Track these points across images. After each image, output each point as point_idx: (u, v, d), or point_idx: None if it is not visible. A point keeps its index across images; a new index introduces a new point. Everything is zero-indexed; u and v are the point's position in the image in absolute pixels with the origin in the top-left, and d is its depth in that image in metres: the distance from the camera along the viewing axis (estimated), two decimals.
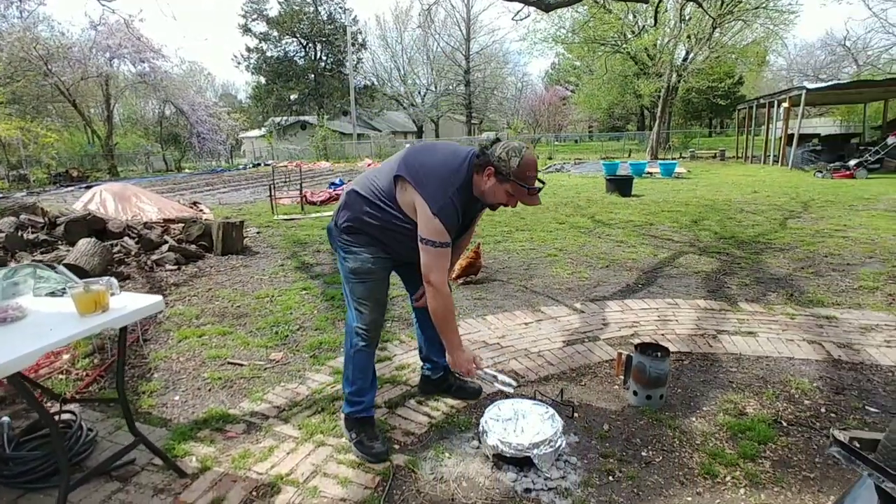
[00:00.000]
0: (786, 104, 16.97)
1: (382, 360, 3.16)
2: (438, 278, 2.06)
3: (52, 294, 2.01)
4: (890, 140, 13.86)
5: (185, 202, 10.06)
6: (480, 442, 2.27)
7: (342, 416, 2.36)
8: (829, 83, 18.08)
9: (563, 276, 4.92)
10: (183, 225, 6.86)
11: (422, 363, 2.73)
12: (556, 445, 2.14)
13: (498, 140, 2.12)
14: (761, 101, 19.99)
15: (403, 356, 3.22)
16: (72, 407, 2.57)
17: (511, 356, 3.21)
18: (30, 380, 2.12)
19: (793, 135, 16.36)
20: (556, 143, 40.92)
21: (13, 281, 1.76)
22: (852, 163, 13.22)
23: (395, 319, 3.79)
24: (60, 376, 3.04)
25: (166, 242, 6.19)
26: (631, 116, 46.58)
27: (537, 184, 2.06)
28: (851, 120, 27.09)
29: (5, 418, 2.29)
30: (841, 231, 6.58)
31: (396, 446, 2.31)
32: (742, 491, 2.01)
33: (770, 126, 19.04)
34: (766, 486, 2.04)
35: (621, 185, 10.79)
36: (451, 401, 2.68)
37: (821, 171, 13.36)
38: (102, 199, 7.98)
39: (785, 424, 2.44)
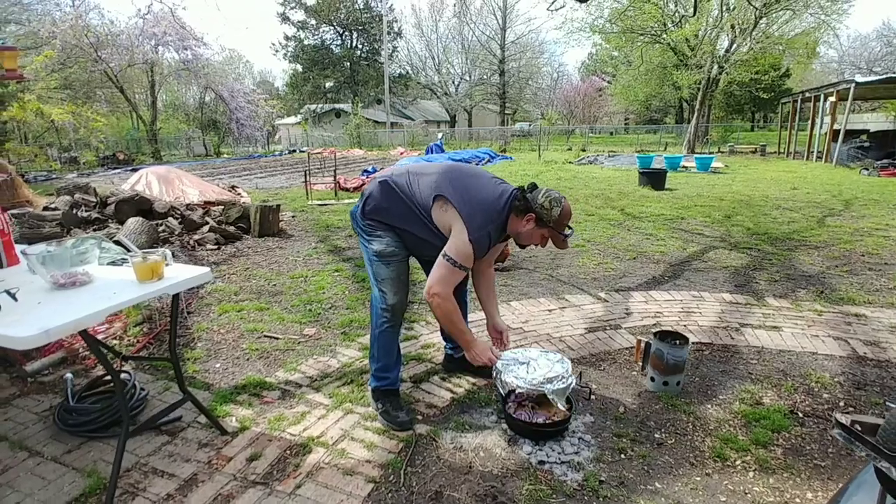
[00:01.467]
0: (832, 98, 16.29)
1: (409, 338, 3.31)
2: (444, 291, 2.17)
3: (113, 263, 2.22)
4: None
5: (224, 186, 10.44)
6: (496, 379, 2.38)
7: (369, 388, 2.52)
8: (881, 76, 17.21)
9: (590, 267, 4.97)
10: (223, 207, 7.16)
11: (445, 342, 2.86)
12: (568, 383, 2.29)
13: (535, 186, 2.25)
14: (807, 94, 19.23)
15: (429, 336, 3.36)
16: (126, 368, 2.81)
17: (533, 340, 3.32)
18: (95, 339, 2.34)
19: (839, 130, 15.71)
20: (591, 134, 40.26)
21: (81, 250, 1.96)
22: None
23: (421, 302, 3.94)
24: (114, 342, 3.30)
25: (207, 223, 6.50)
26: (669, 109, 45.41)
27: (567, 230, 2.25)
28: None
29: (69, 375, 2.54)
30: (882, 230, 6.38)
31: (420, 417, 2.45)
32: (751, 474, 2.08)
33: (815, 121, 18.32)
34: (776, 472, 2.09)
35: (654, 179, 10.64)
36: (472, 378, 2.80)
37: (867, 169, 12.83)
38: (148, 182, 8.38)
39: (801, 415, 2.48)
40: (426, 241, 2.31)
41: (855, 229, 6.48)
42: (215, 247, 5.93)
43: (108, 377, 2.31)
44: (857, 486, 1.77)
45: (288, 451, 2.21)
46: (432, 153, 18.91)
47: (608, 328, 3.50)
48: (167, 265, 2.07)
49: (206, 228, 6.37)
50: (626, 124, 48.91)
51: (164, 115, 32.62)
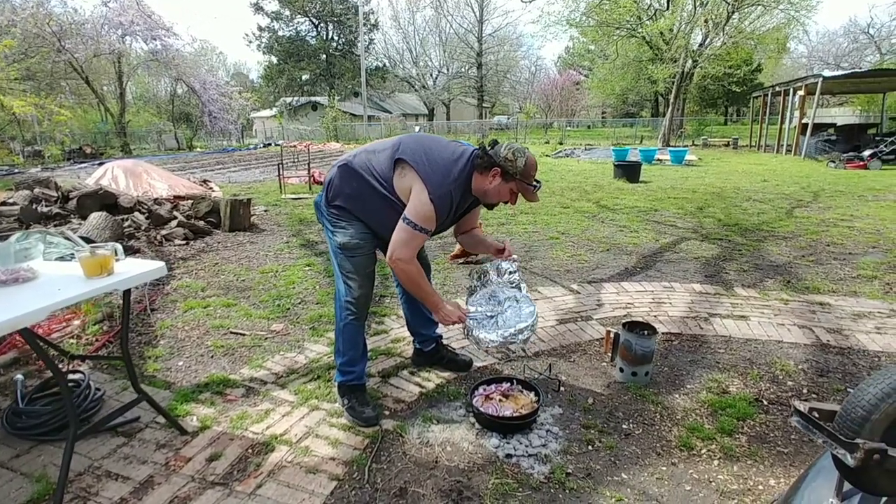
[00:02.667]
0: (801, 92, 16.67)
1: (379, 332, 3.26)
2: (407, 255, 2.09)
3: (62, 258, 2.11)
4: None
5: (196, 180, 10.19)
6: (468, 337, 2.30)
7: (335, 384, 2.46)
8: (847, 71, 17.69)
9: (563, 259, 4.97)
10: (192, 201, 6.98)
11: (412, 336, 2.82)
12: (534, 326, 2.28)
13: (497, 142, 2.18)
14: (777, 88, 19.65)
15: (399, 330, 3.31)
16: (81, 368, 2.70)
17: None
18: (42, 338, 2.23)
19: (807, 124, 16.09)
20: (569, 128, 40.50)
21: (25, 245, 1.86)
22: (866, 153, 13.02)
23: (392, 296, 3.88)
24: (72, 340, 3.17)
25: (175, 218, 6.32)
26: (645, 103, 45.92)
27: (535, 182, 2.17)
28: (871, 110, 26.51)
29: (19, 376, 2.43)
30: (847, 221, 6.54)
31: (386, 413, 2.41)
32: (716, 463, 2.09)
33: (785, 115, 18.74)
34: (740, 459, 2.11)
35: (629, 172, 10.75)
36: (442, 372, 2.77)
37: (834, 162, 13.18)
38: (114, 175, 8.12)
39: (766, 403, 2.51)
40: (392, 222, 2.17)
41: (821, 220, 6.63)
42: (184, 242, 5.78)
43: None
44: (816, 473, 1.79)
45: (249, 451, 2.14)
46: None
47: (579, 320, 3.50)
48: (118, 260, 1.98)
49: (174, 223, 6.20)
50: (603, 118, 49.34)
51: (133, 107, 31.76)
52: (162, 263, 2.06)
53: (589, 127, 44.68)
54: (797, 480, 1.83)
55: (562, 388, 2.60)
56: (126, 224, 5.93)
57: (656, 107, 41.85)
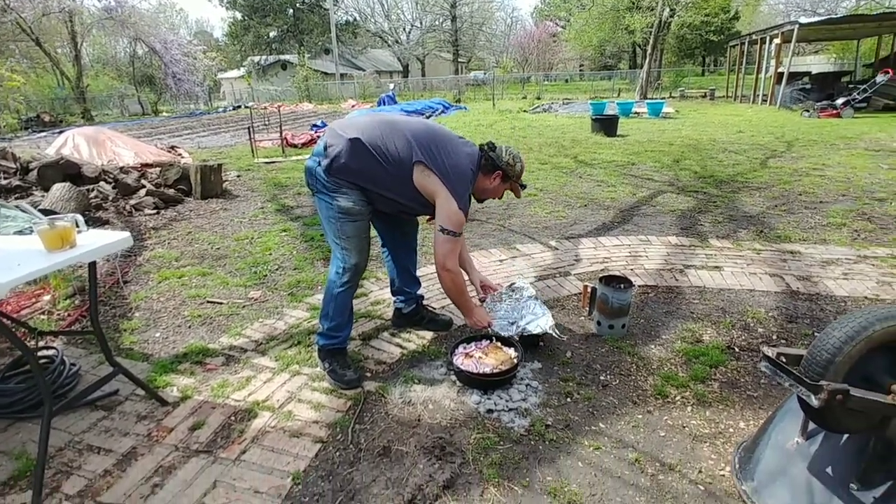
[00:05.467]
0: (777, 40, 16.57)
1: (359, 296, 3.25)
2: (454, 263, 2.30)
3: (21, 232, 2.03)
4: (879, 78, 13.72)
5: (163, 146, 9.82)
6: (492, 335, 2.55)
7: (317, 348, 2.46)
8: (823, 17, 17.59)
9: (541, 216, 4.98)
10: (160, 169, 6.74)
11: (394, 297, 2.82)
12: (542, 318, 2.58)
13: (494, 145, 2.36)
14: (754, 36, 19.49)
15: (379, 292, 3.31)
16: (54, 344, 2.64)
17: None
18: (7, 315, 2.17)
19: (783, 73, 16.10)
20: (546, 82, 39.89)
21: None
22: (840, 102, 13.13)
23: (372, 259, 3.84)
24: (42, 317, 3.09)
25: (144, 187, 6.12)
26: (622, 55, 45.34)
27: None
28: (845, 58, 26.59)
29: None
30: (819, 170, 6.65)
31: (368, 374, 2.43)
32: (689, 409, 2.17)
33: (761, 64, 18.69)
34: (712, 405, 2.19)
35: (606, 125, 10.68)
36: (423, 333, 2.79)
37: (808, 111, 13.27)
38: (76, 144, 7.77)
39: (737, 350, 2.59)
40: (396, 201, 2.30)
41: (794, 170, 6.72)
42: (154, 211, 5.61)
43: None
44: (783, 415, 1.87)
45: (232, 418, 2.15)
46: (384, 105, 18.31)
47: (558, 275, 3.54)
48: (80, 231, 1.90)
49: (142, 192, 6.00)
50: (581, 71, 48.62)
51: (92, 70, 30.16)
52: (127, 234, 1.99)
53: (566, 81, 44.04)
54: (765, 422, 1.91)
55: (541, 343, 2.65)
56: (92, 195, 5.72)
57: (634, 58, 41.37)
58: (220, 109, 27.16)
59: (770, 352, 1.54)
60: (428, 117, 15.16)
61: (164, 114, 25.78)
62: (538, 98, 24.80)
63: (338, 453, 1.94)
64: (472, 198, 2.41)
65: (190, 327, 2.95)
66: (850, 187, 5.69)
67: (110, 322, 3.03)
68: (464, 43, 43.28)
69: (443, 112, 18.02)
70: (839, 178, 6.15)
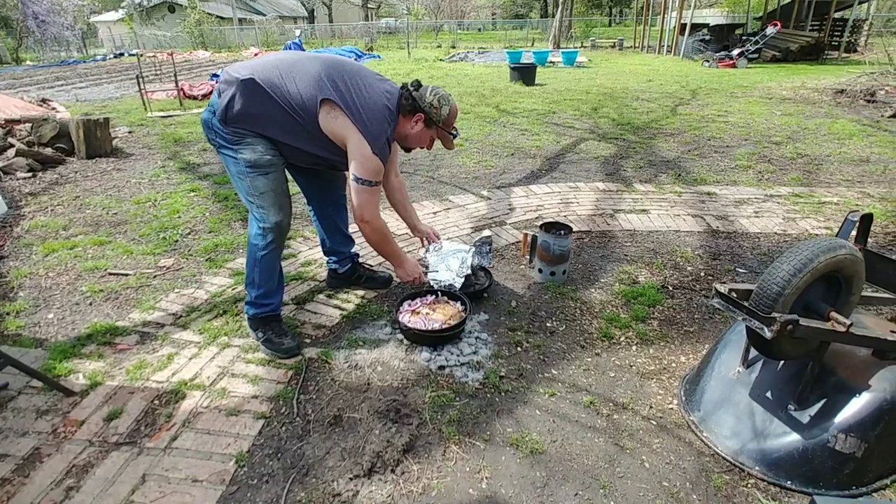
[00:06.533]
0: None
1: (287, 257, 3.01)
2: (373, 213, 2.04)
3: None
4: (769, 30, 14.73)
5: (31, 99, 8.47)
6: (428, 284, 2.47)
7: (246, 317, 2.24)
8: None
9: (470, 166, 4.88)
10: (31, 125, 5.80)
11: (327, 258, 2.62)
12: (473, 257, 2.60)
13: (420, 84, 2.07)
14: None
15: (309, 252, 3.08)
16: None
17: (420, 246, 3.18)
18: None
19: (685, 24, 16.83)
20: (459, 31, 39.06)
21: None
22: (735, 52, 13.99)
23: (296, 217, 3.56)
24: None
25: (12, 146, 5.24)
26: (534, 3, 45.29)
27: (454, 130, 2.16)
28: (737, 11, 28.30)
29: None
30: (723, 117, 7.06)
31: (308, 340, 2.25)
32: (634, 348, 2.23)
33: (665, 16, 19.40)
34: (654, 342, 2.27)
35: (525, 74, 10.65)
36: (361, 292, 2.63)
37: (708, 61, 14.04)
38: None
39: (671, 289, 2.70)
40: (307, 151, 2.01)
41: (701, 116, 7.10)
42: (29, 174, 4.84)
43: None
44: (724, 346, 1.94)
45: (156, 402, 1.90)
46: None
47: (493, 225, 3.48)
48: None
49: (11, 153, 5.14)
50: (493, 19, 48.08)
51: None
52: None
53: (480, 30, 43.41)
54: (707, 355, 1.99)
55: (485, 295, 2.59)
56: None
57: (546, 7, 41.46)
58: (99, 58, 23.92)
59: (722, 288, 1.57)
60: None
61: (28, 62, 22.28)
62: (453, 47, 24.26)
63: (284, 428, 1.78)
64: (400, 146, 2.19)
65: (91, 304, 2.58)
66: (750, 132, 6.10)
67: None
68: None
69: (356, 60, 17.11)
70: (741, 123, 6.57)
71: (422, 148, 2.20)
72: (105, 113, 7.80)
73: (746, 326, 1.60)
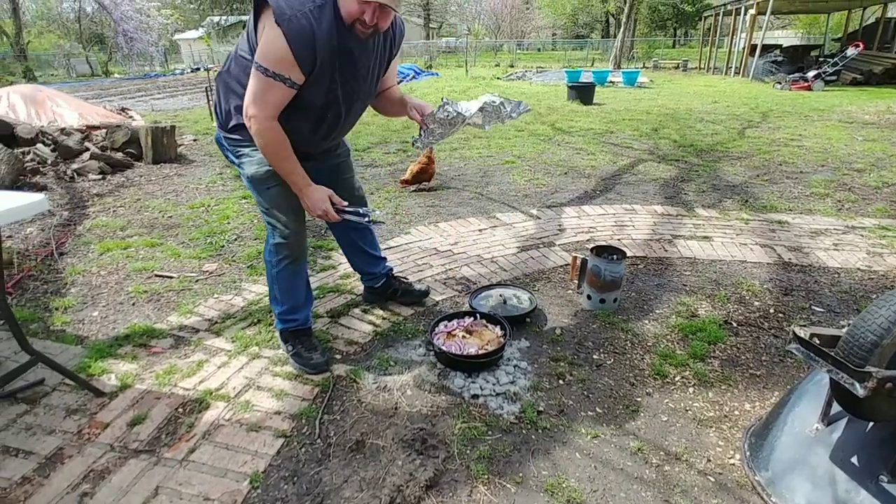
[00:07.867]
0: (752, 11, 16.49)
1: (326, 269, 2.96)
2: (261, 112, 1.66)
3: None
4: (850, 51, 13.82)
5: (113, 108, 9.08)
6: (440, 111, 1.94)
7: (277, 330, 2.18)
8: None
9: (520, 184, 4.73)
10: (107, 131, 6.16)
11: (359, 274, 2.54)
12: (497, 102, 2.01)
13: None
14: (728, 7, 19.37)
15: (348, 265, 3.01)
16: None
17: (463, 263, 3.06)
18: None
19: (756, 45, 16.08)
20: (519, 50, 39.16)
21: None
22: (810, 74, 13.18)
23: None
24: None
25: (88, 150, 5.57)
26: (596, 24, 44.86)
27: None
28: (812, 32, 26.90)
29: None
30: (796, 140, 6.58)
31: (338, 356, 2.16)
32: (691, 390, 2.00)
33: (734, 37, 18.64)
34: (714, 385, 2.02)
35: (583, 93, 10.43)
36: (398, 308, 2.53)
37: (780, 83, 13.30)
38: (11, 103, 7.04)
39: (735, 325, 2.43)
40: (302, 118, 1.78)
41: (772, 140, 6.64)
42: (99, 177, 5.11)
43: None
44: (799, 397, 1.69)
45: (180, 410, 1.86)
46: None
47: (541, 246, 3.32)
48: None
49: (86, 156, 5.47)
50: (553, 39, 47.94)
51: (34, 28, 27.93)
52: (41, 197, 1.64)
53: (539, 50, 43.35)
54: (777, 405, 1.74)
55: (527, 320, 2.43)
56: (28, 158, 5.17)
57: (607, 28, 40.97)
58: (178, 71, 25.64)
59: (802, 332, 1.35)
60: (399, 83, 14.56)
61: (116, 75, 24.18)
62: (511, 66, 24.30)
63: (304, 449, 1.69)
64: (360, 30, 1.66)
65: (134, 304, 2.61)
66: (828, 158, 5.63)
67: (40, 300, 2.66)
68: (435, 7, 41.95)
69: (414, 78, 17.43)
70: (817, 148, 6.09)
71: (366, 26, 1.65)
72: (175, 122, 8.22)
73: (831, 379, 1.36)
